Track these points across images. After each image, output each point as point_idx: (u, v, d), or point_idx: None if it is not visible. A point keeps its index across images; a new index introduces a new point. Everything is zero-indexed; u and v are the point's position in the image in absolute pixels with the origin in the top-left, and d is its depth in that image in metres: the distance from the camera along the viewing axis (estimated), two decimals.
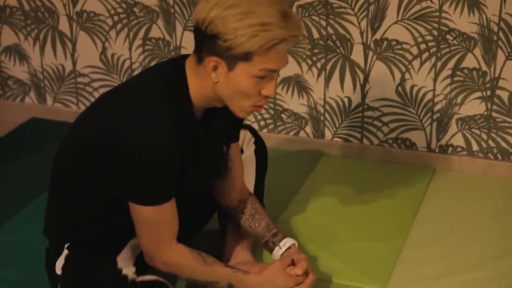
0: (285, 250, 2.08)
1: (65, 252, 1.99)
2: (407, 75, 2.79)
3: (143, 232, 1.92)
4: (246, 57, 1.79)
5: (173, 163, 1.86)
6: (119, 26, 3.04)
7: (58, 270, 2.00)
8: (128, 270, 1.97)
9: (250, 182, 2.26)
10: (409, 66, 2.77)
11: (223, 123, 1.99)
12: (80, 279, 1.97)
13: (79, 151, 1.94)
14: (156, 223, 1.90)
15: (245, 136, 2.29)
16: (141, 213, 1.89)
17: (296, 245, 2.09)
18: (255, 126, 3.00)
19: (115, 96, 1.94)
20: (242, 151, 2.27)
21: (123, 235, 2.01)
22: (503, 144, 2.78)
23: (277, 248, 2.09)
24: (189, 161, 1.91)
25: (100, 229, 1.98)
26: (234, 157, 2.14)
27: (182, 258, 1.95)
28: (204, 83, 1.87)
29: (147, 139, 1.80)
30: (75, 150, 1.95)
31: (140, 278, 1.98)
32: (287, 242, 2.08)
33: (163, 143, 1.81)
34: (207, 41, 1.81)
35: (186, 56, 1.95)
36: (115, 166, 1.85)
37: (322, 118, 2.94)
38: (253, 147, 2.30)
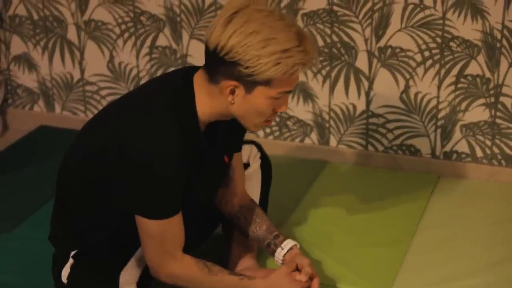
0: (287, 251, 2.08)
1: (71, 261, 2.01)
2: (411, 82, 2.80)
3: (149, 245, 1.93)
4: (267, 82, 1.83)
5: (181, 178, 1.87)
6: (126, 34, 3.07)
7: (64, 279, 2.02)
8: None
9: (255, 194, 2.29)
10: (413, 73, 2.79)
11: (226, 135, 2.02)
12: None
13: (87, 161, 1.95)
14: (163, 236, 1.91)
15: (251, 151, 2.31)
16: (148, 227, 1.90)
17: (298, 246, 2.11)
18: (260, 133, 3.02)
19: (123, 108, 1.94)
20: (248, 164, 2.30)
21: (129, 242, 2.01)
22: (507, 150, 2.80)
23: (279, 249, 2.09)
24: (194, 174, 1.93)
25: (106, 237, 2.00)
26: (236, 166, 2.16)
27: (187, 269, 1.95)
28: (217, 101, 1.89)
29: (157, 155, 1.82)
30: (84, 159, 1.96)
31: None
32: (288, 243, 2.10)
33: (173, 159, 1.83)
34: (226, 66, 1.83)
35: (194, 68, 1.96)
36: (125, 180, 1.86)
37: (327, 125, 2.95)
38: (259, 161, 2.32)
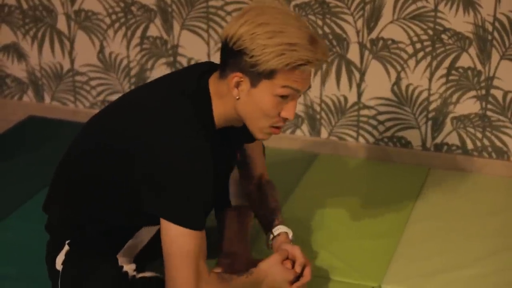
0: (275, 236, 2.09)
1: (66, 248, 2.00)
2: (402, 74, 2.81)
3: (183, 266, 1.80)
4: (270, 74, 1.80)
5: (210, 186, 1.83)
6: (116, 25, 3.06)
7: (58, 266, 2.00)
8: (129, 266, 1.98)
9: None
10: (405, 65, 2.79)
11: (239, 137, 2.02)
12: (80, 275, 1.97)
13: (100, 158, 1.90)
14: (198, 253, 1.81)
15: None
16: (184, 242, 1.79)
17: (290, 235, 2.11)
18: None
19: (143, 112, 1.88)
20: None
21: (126, 236, 2.01)
22: (498, 142, 2.81)
23: (269, 233, 2.11)
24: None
25: (104, 229, 1.98)
26: (252, 154, 2.16)
27: (216, 286, 1.87)
28: (226, 101, 1.88)
29: (192, 162, 1.78)
30: (99, 156, 1.91)
31: (140, 275, 1.98)
32: (279, 228, 2.10)
33: (205, 161, 1.80)
34: (233, 57, 1.82)
35: (210, 67, 1.95)
36: (160, 187, 1.80)
37: (318, 116, 2.96)
38: None
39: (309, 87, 1.89)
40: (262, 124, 1.88)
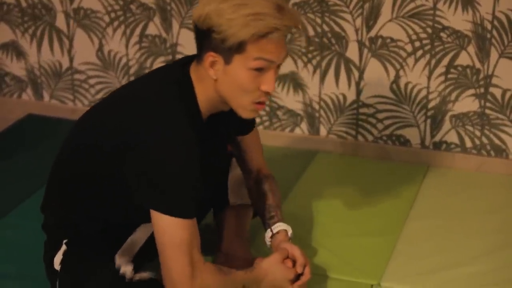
0: (274, 234, 2.09)
1: (63, 247, 1.99)
2: (401, 73, 2.81)
3: (176, 256, 1.80)
4: (240, 48, 1.80)
5: (197, 174, 1.83)
6: (116, 23, 3.05)
7: (56, 266, 2.00)
8: (126, 268, 1.97)
9: None
10: (404, 64, 2.80)
11: (228, 124, 2.01)
12: (78, 278, 1.97)
13: (93, 155, 1.90)
14: (190, 242, 1.81)
15: None
16: (175, 231, 1.79)
17: (289, 233, 2.10)
18: None
19: (131, 99, 1.90)
20: None
21: (123, 234, 2.01)
22: (496, 141, 2.81)
23: (268, 230, 2.11)
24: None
25: (101, 228, 1.98)
26: (247, 147, 2.17)
27: (215, 276, 1.87)
28: (206, 84, 1.88)
29: (177, 142, 1.79)
30: (90, 153, 1.91)
31: (138, 277, 1.97)
32: (278, 226, 2.10)
33: (191, 146, 1.80)
34: (205, 37, 1.83)
35: (191, 58, 1.96)
36: (148, 174, 1.80)
37: (317, 115, 2.96)
38: None
39: (286, 57, 1.86)
40: (244, 101, 1.87)
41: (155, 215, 1.81)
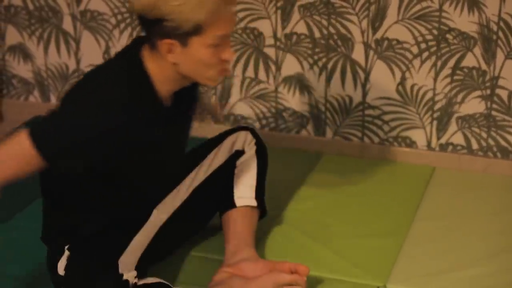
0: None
1: (66, 253, 2.01)
2: (407, 74, 2.81)
3: (4, 164, 1.85)
4: (197, 29, 1.82)
5: (105, 138, 1.85)
6: (122, 25, 3.06)
7: (61, 271, 2.01)
8: (129, 274, 1.97)
9: (251, 182, 2.30)
10: (410, 65, 2.80)
11: (187, 94, 2.04)
12: (82, 283, 1.98)
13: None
14: (21, 167, 1.85)
15: (246, 138, 2.32)
16: (21, 153, 1.83)
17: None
18: (256, 124, 3.02)
19: (82, 84, 1.95)
20: (243, 151, 2.31)
21: (124, 232, 2.01)
22: (503, 142, 2.81)
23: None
24: (159, 138, 1.94)
25: (100, 227, 1.99)
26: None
27: None
28: (164, 66, 1.89)
29: (94, 115, 1.82)
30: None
31: (142, 282, 1.98)
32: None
33: (101, 128, 1.83)
34: (155, 26, 1.83)
35: (139, 43, 1.95)
36: (53, 109, 1.87)
37: (323, 116, 2.96)
38: (255, 148, 2.33)
39: (234, 25, 1.92)
40: (210, 74, 1.91)
41: (23, 134, 1.84)
